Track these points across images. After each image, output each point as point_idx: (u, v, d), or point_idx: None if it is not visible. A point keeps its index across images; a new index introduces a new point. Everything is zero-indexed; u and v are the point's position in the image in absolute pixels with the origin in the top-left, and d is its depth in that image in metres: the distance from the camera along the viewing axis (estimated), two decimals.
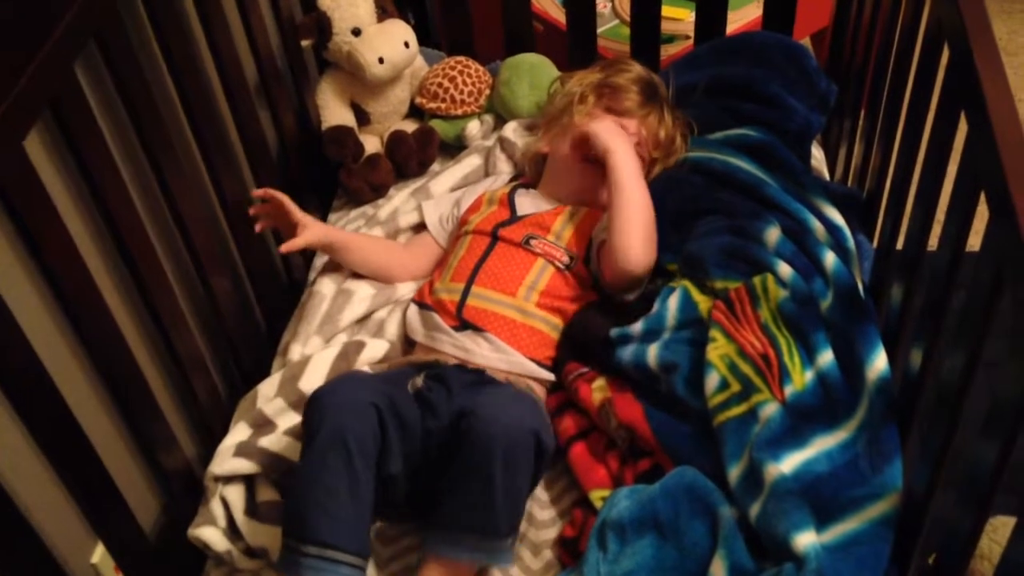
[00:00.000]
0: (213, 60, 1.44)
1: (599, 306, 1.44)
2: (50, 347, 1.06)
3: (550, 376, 1.39)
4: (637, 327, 1.35)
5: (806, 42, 2.47)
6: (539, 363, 1.39)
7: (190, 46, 1.36)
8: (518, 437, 1.15)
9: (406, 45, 1.71)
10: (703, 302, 1.36)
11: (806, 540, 1.06)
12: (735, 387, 1.22)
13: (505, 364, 1.36)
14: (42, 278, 1.04)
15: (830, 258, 1.35)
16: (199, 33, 1.41)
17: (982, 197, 0.97)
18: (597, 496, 1.25)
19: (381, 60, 1.68)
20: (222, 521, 1.24)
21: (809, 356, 1.25)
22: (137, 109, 1.19)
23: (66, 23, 1.01)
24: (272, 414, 1.32)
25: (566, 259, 1.45)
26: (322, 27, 1.67)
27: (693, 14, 1.90)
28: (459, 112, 1.77)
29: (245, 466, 1.26)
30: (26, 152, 0.97)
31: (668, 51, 2.01)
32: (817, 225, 1.42)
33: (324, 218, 1.78)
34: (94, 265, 1.13)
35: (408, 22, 1.99)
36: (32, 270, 1.03)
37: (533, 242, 1.45)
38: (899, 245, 1.36)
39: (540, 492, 1.32)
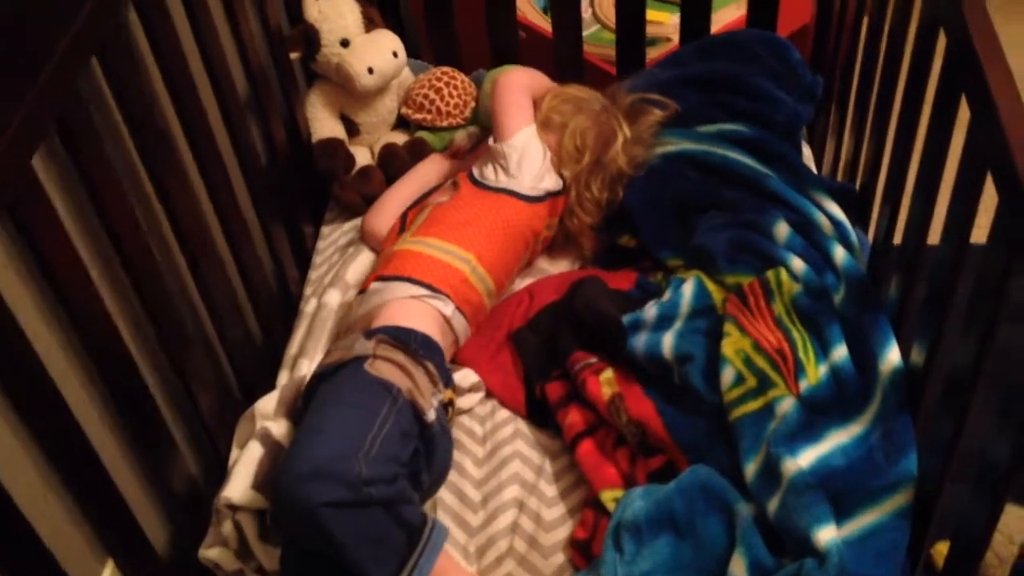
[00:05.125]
0: (207, 73, 1.43)
1: (603, 289, 1.44)
2: (57, 363, 1.04)
3: (426, 292, 1.39)
4: (650, 313, 1.35)
5: None
6: (423, 283, 1.39)
7: (184, 61, 1.35)
8: (300, 517, 1.06)
9: (394, 55, 1.70)
10: (716, 292, 1.37)
11: (827, 535, 1.07)
12: (751, 382, 1.23)
13: (390, 294, 1.38)
14: (50, 295, 1.02)
15: (839, 252, 1.36)
16: (191, 47, 1.41)
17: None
18: (609, 497, 1.24)
19: (371, 70, 1.67)
20: (233, 542, 1.22)
21: (823, 350, 1.26)
22: (138, 124, 1.18)
23: (69, 41, 1.00)
24: (282, 438, 1.29)
25: (449, 189, 1.57)
26: (310, 39, 1.67)
27: (674, 17, 1.91)
28: (444, 124, 1.76)
29: (262, 501, 1.22)
30: (34, 170, 0.96)
31: (650, 54, 2.00)
32: (822, 219, 1.43)
33: (316, 231, 1.77)
34: (98, 281, 1.12)
35: (393, 25, 1.99)
36: (40, 287, 1.02)
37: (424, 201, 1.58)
38: (895, 237, 1.37)
39: (546, 488, 1.30)
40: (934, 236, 1.18)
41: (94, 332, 1.08)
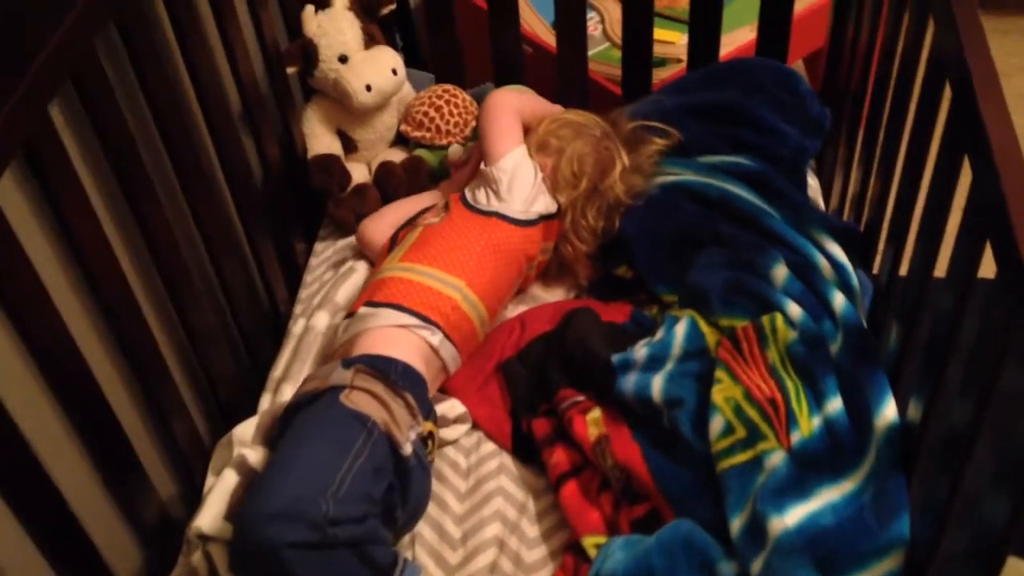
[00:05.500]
0: (195, 89, 1.40)
1: (596, 322, 1.41)
2: (20, 389, 1.02)
3: (414, 321, 1.35)
4: (641, 353, 1.32)
5: (799, 64, 2.45)
6: (411, 311, 1.36)
7: (170, 76, 1.32)
8: (263, 558, 1.03)
9: (394, 72, 1.67)
10: (710, 334, 1.33)
11: None
12: (740, 433, 1.19)
13: (376, 321, 1.35)
14: (13, 322, 0.99)
15: (839, 299, 1.32)
16: (180, 61, 1.38)
17: None
18: (591, 543, 1.20)
19: (368, 88, 1.64)
20: (203, 573, 1.19)
21: (817, 402, 1.22)
22: (115, 148, 1.15)
23: (39, 64, 0.97)
24: (259, 466, 1.25)
25: (440, 211, 1.51)
26: (308, 54, 1.64)
27: (685, 37, 1.87)
28: (444, 142, 1.73)
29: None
30: None
31: (659, 75, 1.97)
32: (823, 262, 1.39)
33: (309, 249, 1.74)
34: (68, 307, 1.09)
35: (395, 44, 1.96)
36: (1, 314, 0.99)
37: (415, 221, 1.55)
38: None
39: (528, 527, 1.26)
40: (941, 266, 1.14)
41: (60, 359, 1.05)
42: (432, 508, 1.30)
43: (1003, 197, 0.83)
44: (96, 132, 1.14)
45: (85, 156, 1.15)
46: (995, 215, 0.86)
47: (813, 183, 1.70)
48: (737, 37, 2.05)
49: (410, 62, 2.21)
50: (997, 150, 0.87)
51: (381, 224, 1.62)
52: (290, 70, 1.64)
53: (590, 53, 2.04)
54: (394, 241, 1.54)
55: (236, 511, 1.18)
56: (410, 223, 1.56)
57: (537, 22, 2.14)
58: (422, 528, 1.28)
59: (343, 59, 1.64)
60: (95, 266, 1.12)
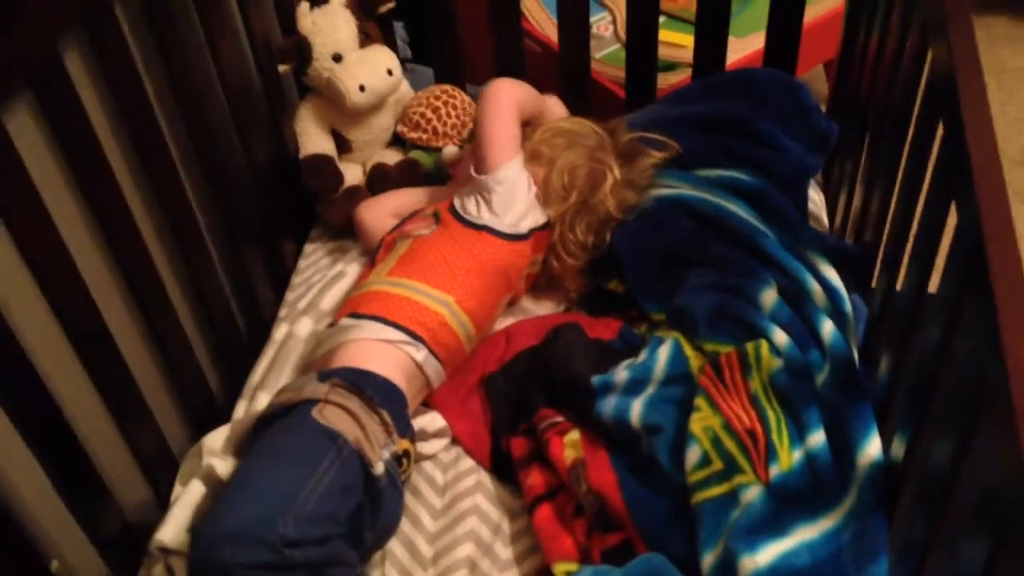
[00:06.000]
0: (171, 86, 1.36)
1: (581, 339, 1.37)
2: None
3: (399, 336, 1.32)
4: (621, 375, 1.28)
5: (819, 70, 2.38)
6: (396, 325, 1.33)
7: (136, 78, 1.27)
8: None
9: (389, 73, 1.63)
10: (694, 358, 1.29)
11: None
12: (717, 464, 1.14)
13: (358, 333, 1.32)
14: None
15: (828, 327, 1.27)
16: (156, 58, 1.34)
17: None
18: (561, 570, 1.16)
19: (362, 88, 1.60)
20: None
21: (799, 435, 1.17)
22: (78, 155, 1.12)
23: None
24: (227, 478, 1.22)
25: (431, 220, 1.47)
26: (302, 52, 1.60)
27: None
28: (440, 144, 1.69)
29: None
30: None
31: (669, 79, 1.92)
32: (815, 287, 1.34)
33: (299, 250, 1.71)
34: (29, 309, 1.06)
35: (394, 42, 1.91)
36: None
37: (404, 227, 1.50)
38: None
39: (501, 550, 1.23)
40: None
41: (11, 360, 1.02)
42: (405, 524, 1.27)
43: (985, 252, 0.78)
44: (58, 136, 1.10)
45: (58, 153, 1.13)
46: (975, 263, 0.81)
47: (817, 198, 1.65)
48: (753, 42, 1.99)
49: (418, 58, 2.17)
50: (984, 203, 0.81)
51: (379, 212, 1.60)
52: (282, 68, 1.60)
53: (599, 55, 2.00)
54: (379, 245, 1.51)
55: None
56: (399, 227, 1.53)
57: (547, 20, 2.09)
58: (393, 546, 1.26)
59: (337, 58, 1.60)
60: (51, 268, 1.09)
